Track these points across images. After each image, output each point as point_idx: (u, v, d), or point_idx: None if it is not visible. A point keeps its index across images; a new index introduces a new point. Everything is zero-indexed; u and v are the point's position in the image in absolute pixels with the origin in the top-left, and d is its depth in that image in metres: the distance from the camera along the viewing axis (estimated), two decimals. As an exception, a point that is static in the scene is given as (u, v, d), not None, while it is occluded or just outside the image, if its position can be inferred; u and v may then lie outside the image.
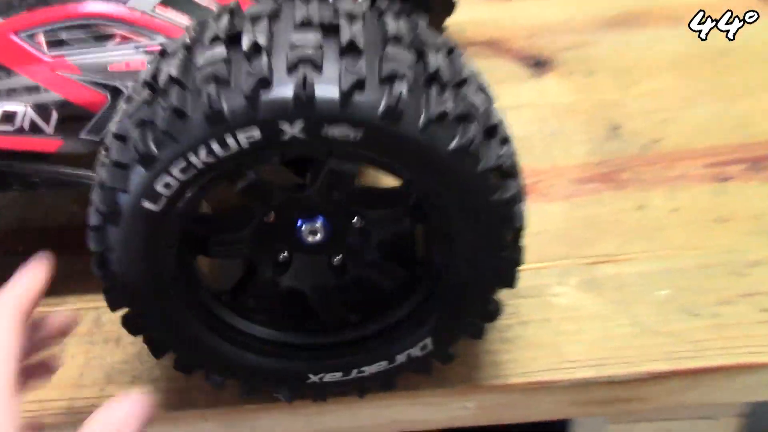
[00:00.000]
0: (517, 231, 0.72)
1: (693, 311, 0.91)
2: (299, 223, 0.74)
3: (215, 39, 0.64)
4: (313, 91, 0.61)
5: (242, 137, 0.62)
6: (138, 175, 0.64)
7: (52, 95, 0.86)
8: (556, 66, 1.33)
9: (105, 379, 0.89)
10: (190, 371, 0.80)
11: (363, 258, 0.77)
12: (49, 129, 0.87)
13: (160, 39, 0.87)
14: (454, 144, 0.64)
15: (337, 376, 0.80)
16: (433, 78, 0.64)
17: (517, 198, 0.70)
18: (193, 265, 0.75)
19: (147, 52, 0.87)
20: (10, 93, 0.87)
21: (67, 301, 0.96)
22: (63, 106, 0.86)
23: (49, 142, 0.88)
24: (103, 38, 0.87)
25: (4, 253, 1.04)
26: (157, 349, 0.78)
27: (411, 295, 0.78)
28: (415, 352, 0.79)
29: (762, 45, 1.30)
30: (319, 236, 0.75)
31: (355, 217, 0.75)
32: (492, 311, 0.78)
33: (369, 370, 0.80)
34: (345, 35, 0.63)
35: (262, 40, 0.62)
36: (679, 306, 0.91)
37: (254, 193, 0.70)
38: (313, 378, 0.81)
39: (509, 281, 0.76)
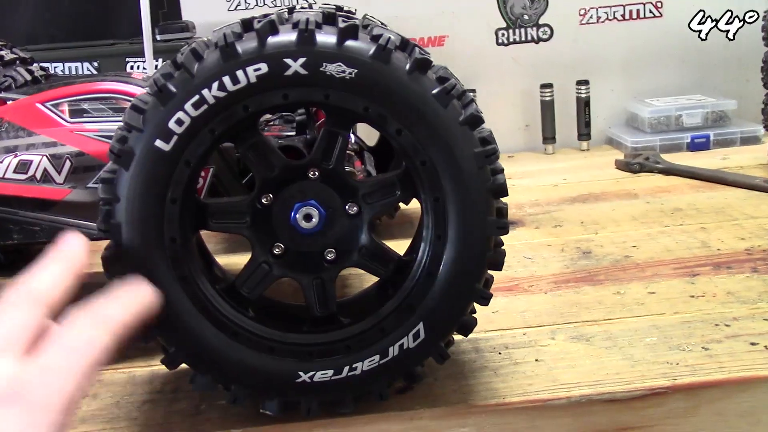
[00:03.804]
0: (500, 197, 0.77)
1: (684, 348, 0.91)
2: (295, 206, 0.79)
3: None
4: (314, 33, 0.71)
5: (251, 71, 0.71)
6: (153, 111, 0.71)
7: (68, 148, 0.94)
8: (526, 223, 1.43)
9: (80, 421, 0.84)
10: (176, 363, 0.77)
11: (357, 245, 0.80)
12: (59, 178, 0.94)
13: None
14: (438, 89, 0.73)
15: (328, 374, 0.78)
16: (415, 45, 0.75)
17: (497, 161, 0.77)
18: (191, 238, 0.77)
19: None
20: (29, 147, 0.95)
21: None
22: (77, 156, 0.94)
23: (58, 191, 0.94)
24: (120, 110, 0.98)
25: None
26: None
27: (402, 281, 0.80)
28: (408, 342, 0.78)
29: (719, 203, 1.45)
30: (314, 221, 0.78)
31: (348, 204, 0.79)
32: (483, 294, 0.79)
33: (361, 367, 0.78)
34: (340, 18, 0.75)
35: (273, 17, 0.74)
36: (669, 346, 0.92)
37: (256, 152, 0.76)
38: (304, 377, 0.78)
39: (497, 259, 0.78)
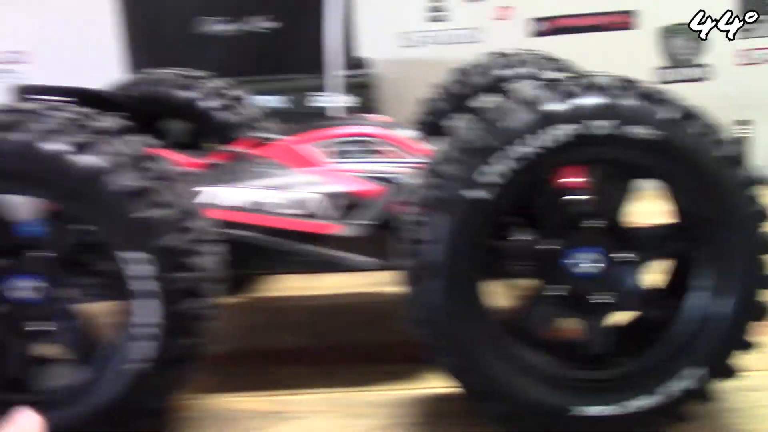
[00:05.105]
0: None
1: None
2: (579, 252, 0.85)
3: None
4: (620, 98, 0.78)
5: (561, 130, 0.78)
6: (463, 165, 0.79)
7: (335, 186, 1.03)
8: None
9: None
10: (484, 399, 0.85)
11: (633, 290, 0.86)
12: (329, 214, 1.02)
13: (415, 159, 1.05)
14: (727, 151, 0.80)
15: (606, 410, 0.84)
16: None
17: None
18: (482, 279, 0.85)
19: (407, 167, 1.05)
20: (298, 185, 1.04)
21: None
22: (343, 194, 1.02)
23: (328, 226, 1.02)
24: (372, 153, 1.07)
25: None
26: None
27: (670, 323, 0.85)
28: (681, 383, 0.83)
29: None
30: (596, 266, 0.85)
31: (626, 251, 0.86)
32: (749, 342, 0.84)
33: (636, 405, 0.84)
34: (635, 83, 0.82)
35: (583, 81, 0.81)
36: None
37: (548, 200, 0.84)
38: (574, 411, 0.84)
39: (764, 308, 0.84)
